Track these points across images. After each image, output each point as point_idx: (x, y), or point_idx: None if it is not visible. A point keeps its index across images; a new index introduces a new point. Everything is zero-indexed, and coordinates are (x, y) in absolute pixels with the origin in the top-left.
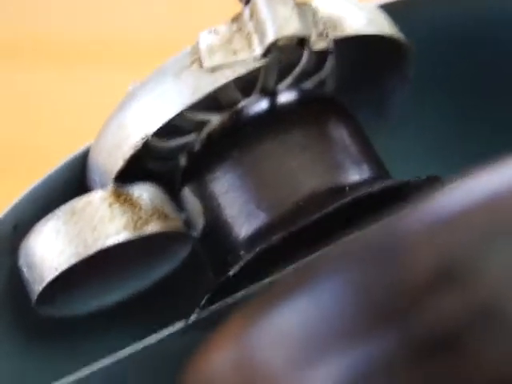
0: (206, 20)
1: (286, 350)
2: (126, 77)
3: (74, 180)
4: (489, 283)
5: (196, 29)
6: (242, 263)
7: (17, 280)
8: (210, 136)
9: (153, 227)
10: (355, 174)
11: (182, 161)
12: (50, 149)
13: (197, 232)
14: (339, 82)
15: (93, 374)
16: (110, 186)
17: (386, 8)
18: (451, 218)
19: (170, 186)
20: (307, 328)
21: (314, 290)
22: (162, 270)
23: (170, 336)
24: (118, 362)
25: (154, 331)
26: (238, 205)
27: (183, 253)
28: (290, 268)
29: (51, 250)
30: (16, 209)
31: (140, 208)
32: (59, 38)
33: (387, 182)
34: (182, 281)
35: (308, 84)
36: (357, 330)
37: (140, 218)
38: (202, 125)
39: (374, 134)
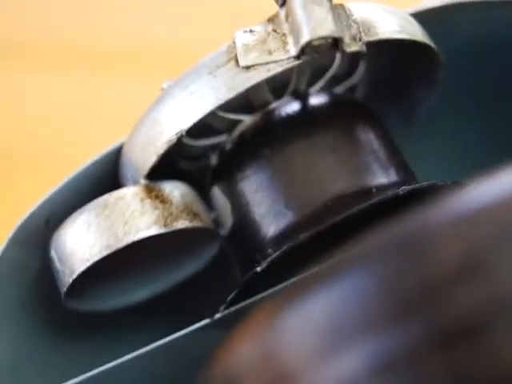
0: (225, 31)
1: (313, 341)
2: (143, 83)
3: (106, 176)
4: (510, 275)
5: (215, 39)
6: (269, 260)
7: (47, 274)
8: (241, 136)
9: (182, 223)
10: (382, 177)
11: (213, 160)
12: (75, 150)
13: (225, 230)
14: (369, 87)
15: (116, 367)
16: (142, 182)
17: (416, 16)
18: (475, 213)
19: (200, 185)
20: (334, 319)
21: (342, 282)
22: (189, 267)
23: (195, 333)
24: (142, 358)
25: (180, 329)
26: (267, 204)
27: (211, 251)
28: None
29: (82, 242)
30: (48, 202)
31: (171, 204)
32: (81, 45)
33: (413, 185)
34: (209, 278)
35: (339, 88)
36: (383, 320)
37: (170, 213)
38: (233, 124)
39: (400, 138)
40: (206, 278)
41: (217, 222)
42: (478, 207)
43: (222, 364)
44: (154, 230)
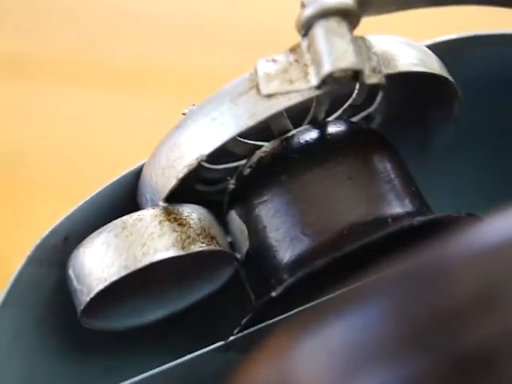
0: (247, 57)
1: (327, 368)
2: (165, 106)
3: (125, 196)
4: None
5: (237, 65)
6: (284, 285)
7: (64, 292)
8: (259, 161)
9: (199, 246)
10: (398, 207)
11: (231, 184)
12: (93, 168)
13: (241, 254)
14: (386, 117)
15: None
16: (161, 205)
17: (432, 48)
18: (494, 247)
19: (217, 209)
20: (349, 347)
21: (357, 311)
22: (204, 289)
23: (208, 355)
24: (154, 379)
25: (192, 351)
26: (284, 229)
27: (226, 274)
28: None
29: (101, 262)
30: (67, 221)
31: (189, 227)
32: (104, 62)
33: (428, 216)
34: (223, 301)
35: (357, 118)
36: (398, 348)
37: (188, 236)
38: (252, 150)
39: (414, 170)
40: (219, 301)
41: (233, 246)
42: (497, 241)
43: None
44: (171, 253)
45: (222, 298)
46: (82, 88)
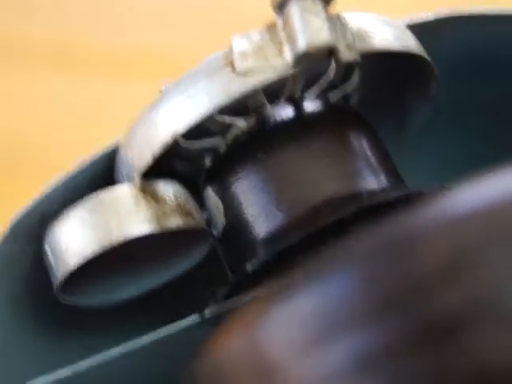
0: (223, 37)
1: (297, 336)
2: (142, 86)
3: (103, 174)
4: (490, 278)
5: (214, 44)
6: (260, 261)
7: (41, 269)
8: (235, 139)
9: (176, 222)
10: (373, 182)
11: (207, 161)
12: (73, 149)
13: (217, 231)
14: (363, 96)
15: (103, 363)
16: (138, 181)
17: (410, 28)
18: (461, 217)
19: (194, 186)
20: (319, 315)
21: (328, 280)
22: (181, 266)
23: (183, 329)
24: (128, 353)
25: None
26: (259, 205)
27: (203, 251)
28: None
29: (76, 238)
30: (44, 199)
31: (165, 203)
32: (80, 46)
33: (403, 191)
34: (199, 278)
35: (333, 96)
36: (367, 316)
37: (164, 212)
38: (228, 127)
39: (392, 147)
40: (197, 278)
41: (209, 222)
42: (465, 210)
43: (209, 359)
44: (147, 229)
45: (200, 274)
46: (59, 71)
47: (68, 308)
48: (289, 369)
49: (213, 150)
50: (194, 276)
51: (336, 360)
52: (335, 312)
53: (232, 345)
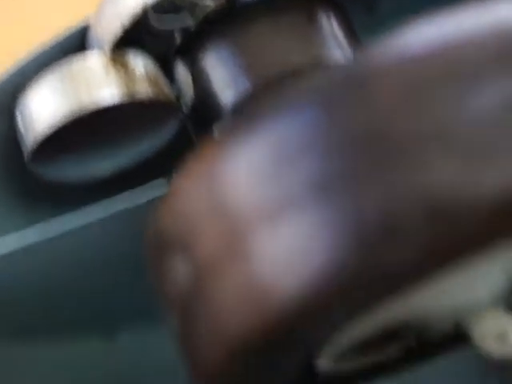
0: None
1: (257, 170)
2: None
3: (75, 49)
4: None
5: None
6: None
7: (13, 138)
8: (205, 16)
9: (145, 91)
10: (338, 53)
11: (178, 38)
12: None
13: (186, 106)
14: None
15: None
16: (108, 51)
17: None
18: (413, 55)
19: (164, 65)
20: (280, 145)
21: (284, 119)
22: (151, 143)
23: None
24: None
25: None
26: (227, 78)
27: (173, 128)
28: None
29: (47, 107)
30: (17, 72)
31: (134, 74)
32: None
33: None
34: (171, 156)
35: None
36: (324, 148)
37: (133, 81)
38: (197, 5)
39: (361, 32)
40: (166, 158)
41: (178, 97)
42: (418, 49)
43: (170, 207)
44: (117, 98)
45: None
46: None
47: (40, 181)
48: (252, 201)
49: (182, 28)
50: (164, 153)
51: (294, 186)
52: (294, 142)
53: (193, 190)
